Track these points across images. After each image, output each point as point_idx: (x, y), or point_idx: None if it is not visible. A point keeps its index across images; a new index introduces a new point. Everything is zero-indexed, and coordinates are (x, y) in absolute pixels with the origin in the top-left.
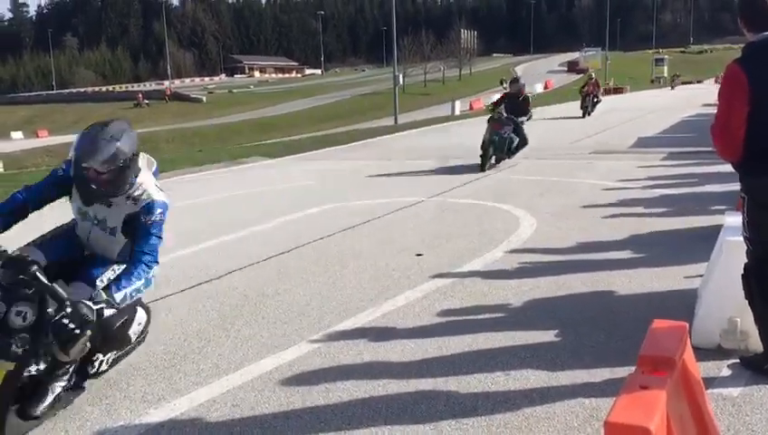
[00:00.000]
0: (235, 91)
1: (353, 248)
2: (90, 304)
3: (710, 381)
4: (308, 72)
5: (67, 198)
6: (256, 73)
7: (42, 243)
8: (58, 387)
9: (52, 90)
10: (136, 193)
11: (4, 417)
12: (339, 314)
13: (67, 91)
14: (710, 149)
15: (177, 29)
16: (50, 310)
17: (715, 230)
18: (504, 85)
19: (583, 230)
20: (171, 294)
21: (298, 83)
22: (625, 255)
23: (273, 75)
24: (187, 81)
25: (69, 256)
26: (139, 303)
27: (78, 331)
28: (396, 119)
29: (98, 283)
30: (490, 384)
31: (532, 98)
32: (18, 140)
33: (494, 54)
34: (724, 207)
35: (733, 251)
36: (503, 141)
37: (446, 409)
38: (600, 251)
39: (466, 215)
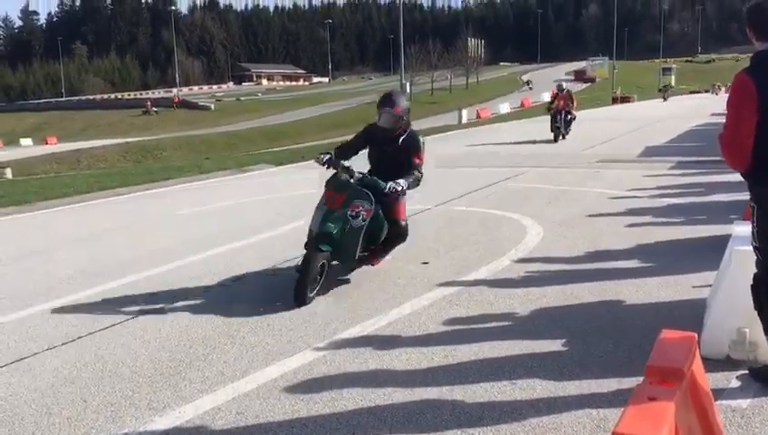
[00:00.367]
0: (242, 98)
1: None
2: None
3: (719, 393)
4: (315, 80)
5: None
6: (264, 81)
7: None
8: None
9: (62, 97)
10: None
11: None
12: (344, 321)
13: (76, 98)
14: (718, 158)
15: (185, 37)
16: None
17: (724, 240)
18: (530, 86)
19: (591, 239)
20: (176, 301)
21: (305, 91)
22: (633, 264)
23: (281, 83)
24: (196, 88)
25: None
26: None
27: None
28: None
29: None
30: (496, 394)
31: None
32: (27, 147)
33: (501, 63)
34: (732, 217)
35: (742, 261)
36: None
37: (451, 418)
38: (607, 260)
39: (473, 223)
